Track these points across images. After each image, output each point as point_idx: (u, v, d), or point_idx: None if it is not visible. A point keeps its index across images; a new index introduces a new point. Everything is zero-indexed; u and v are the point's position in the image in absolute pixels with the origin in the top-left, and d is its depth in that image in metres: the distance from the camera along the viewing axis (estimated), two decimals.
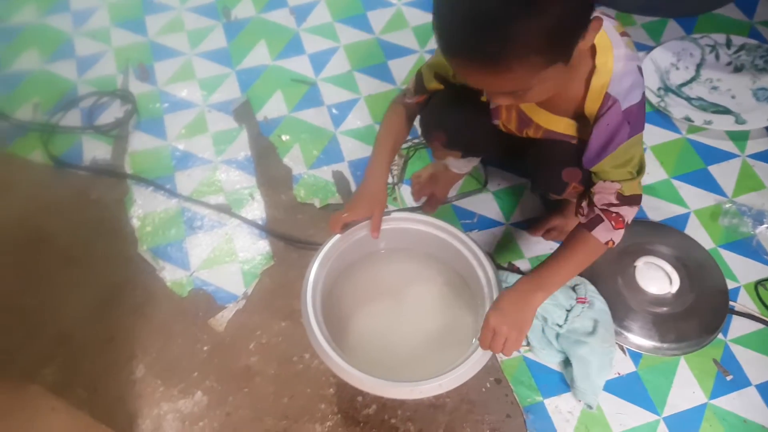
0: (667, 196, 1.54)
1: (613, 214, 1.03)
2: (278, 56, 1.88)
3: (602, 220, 1.04)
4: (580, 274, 1.38)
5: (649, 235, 1.45)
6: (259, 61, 1.87)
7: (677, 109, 1.66)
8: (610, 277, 1.38)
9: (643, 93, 0.94)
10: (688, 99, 1.69)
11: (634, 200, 1.03)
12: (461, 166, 1.45)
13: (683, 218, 1.50)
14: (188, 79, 1.84)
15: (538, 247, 1.48)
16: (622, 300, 1.35)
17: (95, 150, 1.70)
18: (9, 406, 0.88)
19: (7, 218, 1.58)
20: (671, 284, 1.36)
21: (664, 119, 1.67)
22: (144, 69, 1.86)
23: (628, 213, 1.04)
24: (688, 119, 1.63)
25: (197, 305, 1.43)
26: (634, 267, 1.39)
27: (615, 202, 1.02)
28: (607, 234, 1.05)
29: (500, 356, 1.33)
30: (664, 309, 1.34)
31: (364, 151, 1.66)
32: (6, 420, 0.86)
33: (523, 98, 0.88)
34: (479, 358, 1.08)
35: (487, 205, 1.55)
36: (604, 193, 1.03)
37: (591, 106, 0.96)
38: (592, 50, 0.92)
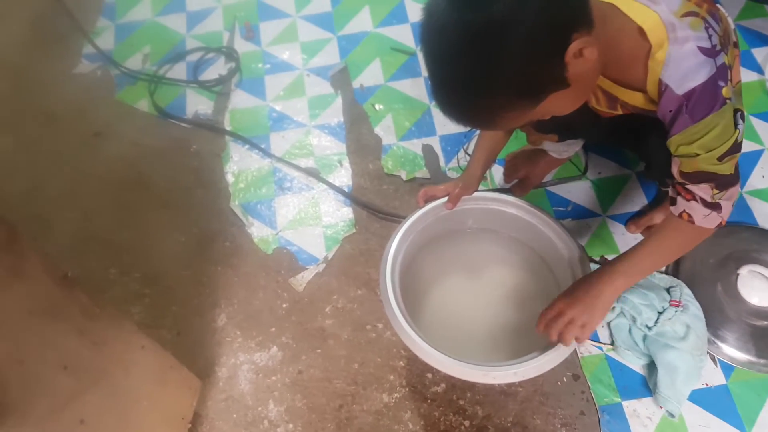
0: None
1: (682, 187, 0.95)
2: (380, 23, 1.86)
3: (677, 195, 0.96)
4: (677, 276, 1.31)
5: (757, 243, 1.35)
6: (361, 27, 1.86)
7: None
8: (710, 283, 1.30)
9: (711, 73, 0.83)
10: None
11: (695, 177, 0.93)
12: (561, 150, 1.39)
13: None
14: (291, 42, 1.85)
15: (635, 243, 1.39)
16: (719, 308, 1.27)
17: (198, 104, 1.75)
18: (105, 337, 0.92)
19: (111, 160, 1.66)
20: None
21: None
22: (250, 28, 1.89)
23: (696, 189, 0.94)
24: None
25: (280, 263, 1.46)
26: (737, 274, 1.30)
27: (678, 179, 0.95)
28: (679, 207, 0.97)
29: (581, 352, 1.28)
30: (765, 322, 1.25)
31: (457, 126, 1.61)
32: (101, 348, 0.91)
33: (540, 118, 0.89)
34: (560, 351, 1.04)
35: (584, 193, 1.48)
36: (674, 168, 0.95)
37: (652, 90, 0.89)
38: (643, 33, 0.84)
